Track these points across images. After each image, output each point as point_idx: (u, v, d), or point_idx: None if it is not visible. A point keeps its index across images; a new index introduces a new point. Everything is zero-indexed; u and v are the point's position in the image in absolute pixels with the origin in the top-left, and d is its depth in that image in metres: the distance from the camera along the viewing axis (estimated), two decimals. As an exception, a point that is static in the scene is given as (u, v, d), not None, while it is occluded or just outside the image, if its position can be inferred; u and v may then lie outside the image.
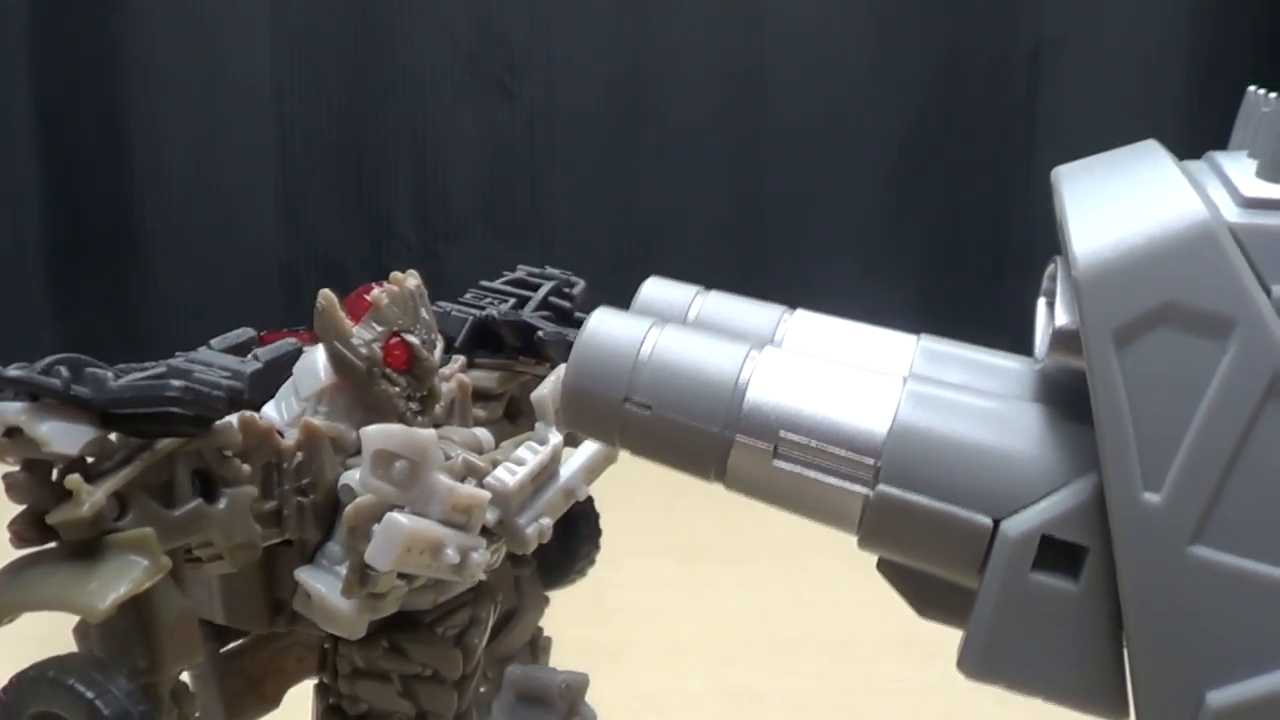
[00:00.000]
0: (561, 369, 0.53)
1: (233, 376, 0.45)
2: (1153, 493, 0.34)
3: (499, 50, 1.80)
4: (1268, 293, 0.33)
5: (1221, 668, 0.33)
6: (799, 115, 1.84)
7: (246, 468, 0.47)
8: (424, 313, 0.51)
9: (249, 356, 0.48)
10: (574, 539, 0.67)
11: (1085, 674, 0.35)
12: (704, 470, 0.39)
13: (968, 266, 1.89)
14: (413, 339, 0.50)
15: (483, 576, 0.50)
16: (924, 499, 0.36)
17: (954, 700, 0.91)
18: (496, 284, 0.65)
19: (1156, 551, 0.34)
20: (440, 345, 0.52)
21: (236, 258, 1.80)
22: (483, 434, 0.53)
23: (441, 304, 0.61)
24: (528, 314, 0.61)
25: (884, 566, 0.40)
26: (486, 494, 0.47)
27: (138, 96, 1.77)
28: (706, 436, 0.38)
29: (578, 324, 0.62)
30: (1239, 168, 0.37)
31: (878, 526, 0.37)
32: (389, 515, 0.44)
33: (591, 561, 0.67)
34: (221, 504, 0.46)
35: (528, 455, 0.50)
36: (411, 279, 0.51)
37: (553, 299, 0.63)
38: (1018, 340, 0.43)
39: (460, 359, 0.57)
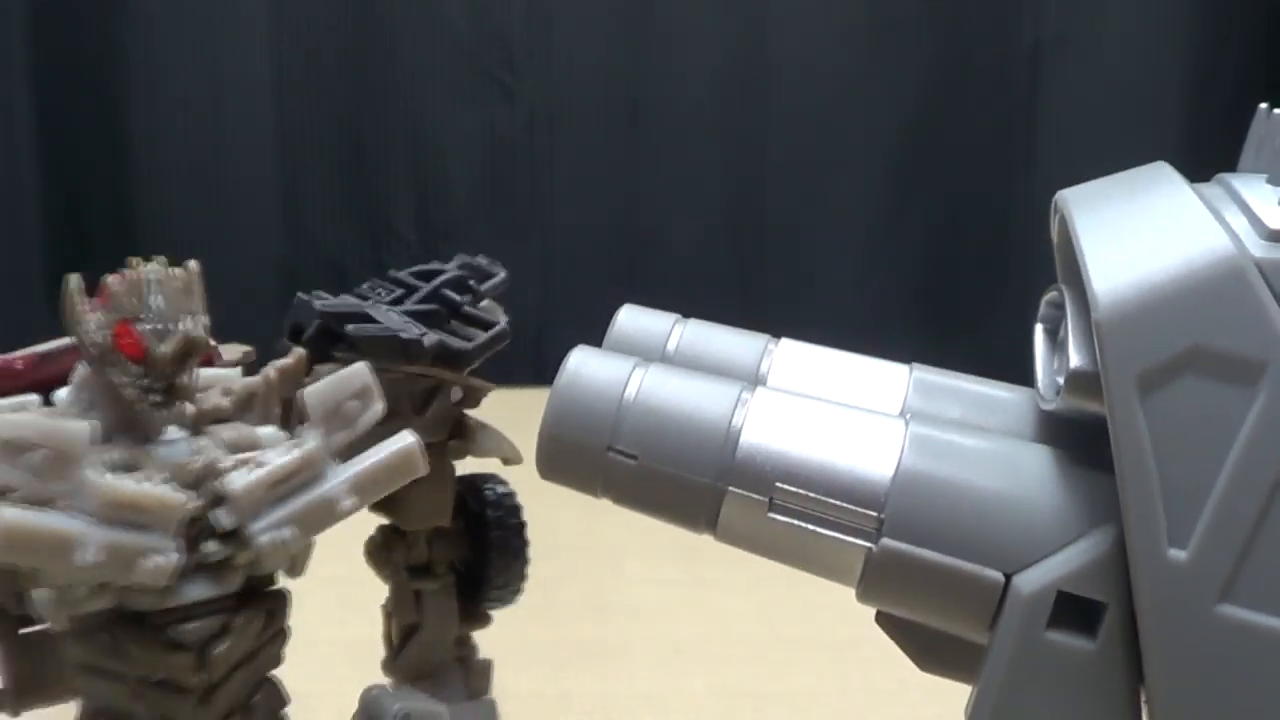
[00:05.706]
0: (357, 368, 0.48)
1: None
2: (1178, 549, 0.31)
3: (499, 49, 1.79)
4: (1299, 333, 0.31)
5: (1250, 732, 0.31)
6: (798, 115, 1.82)
7: None
8: (159, 300, 0.48)
9: None
10: (487, 552, 0.63)
11: (1103, 737, 0.33)
12: (694, 523, 0.36)
13: (968, 266, 1.87)
14: (140, 328, 0.47)
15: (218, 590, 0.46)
16: (931, 554, 0.34)
17: (954, 701, 0.89)
18: (401, 273, 0.62)
19: (1182, 611, 0.31)
20: (188, 336, 0.48)
21: (236, 257, 1.79)
22: (266, 432, 0.50)
23: (319, 294, 0.58)
24: (405, 307, 0.58)
25: (883, 619, 0.38)
26: (175, 495, 0.43)
27: (138, 96, 1.76)
28: (697, 488, 0.35)
29: (471, 321, 0.59)
30: (1259, 195, 0.34)
31: (880, 581, 0.35)
32: None
33: (516, 576, 0.63)
34: None
35: (271, 458, 0.46)
36: (170, 265, 0.48)
37: (446, 292, 0.59)
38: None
39: (299, 351, 0.54)
